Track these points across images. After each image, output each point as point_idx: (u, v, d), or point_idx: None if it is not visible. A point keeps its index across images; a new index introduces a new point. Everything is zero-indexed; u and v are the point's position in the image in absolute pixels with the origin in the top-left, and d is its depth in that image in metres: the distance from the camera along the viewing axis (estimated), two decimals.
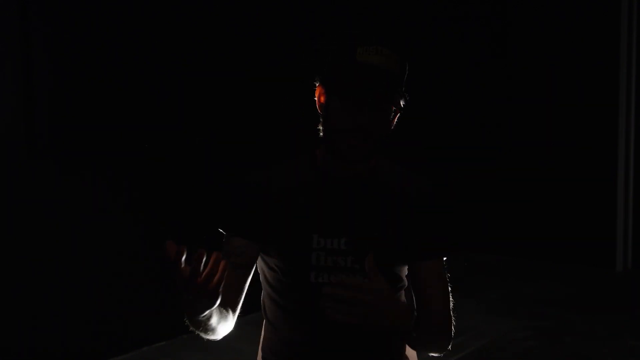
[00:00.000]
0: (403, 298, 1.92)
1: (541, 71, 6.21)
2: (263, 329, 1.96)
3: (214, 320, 1.63)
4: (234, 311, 1.80)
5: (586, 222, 6.08)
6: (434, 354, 1.86)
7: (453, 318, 1.85)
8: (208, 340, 1.82)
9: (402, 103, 1.78)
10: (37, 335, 3.75)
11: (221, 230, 1.85)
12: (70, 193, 3.89)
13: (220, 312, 1.69)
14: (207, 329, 1.65)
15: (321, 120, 1.78)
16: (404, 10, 6.12)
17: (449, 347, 1.84)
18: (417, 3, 6.27)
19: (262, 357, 1.95)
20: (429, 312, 1.82)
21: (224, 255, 1.80)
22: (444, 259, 1.88)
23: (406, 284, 1.91)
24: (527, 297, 5.27)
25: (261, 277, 1.92)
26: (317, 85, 1.80)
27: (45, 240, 3.78)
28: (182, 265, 1.41)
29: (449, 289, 1.87)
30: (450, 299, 1.87)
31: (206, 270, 1.42)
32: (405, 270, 1.89)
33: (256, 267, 1.88)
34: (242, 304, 1.86)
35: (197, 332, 1.67)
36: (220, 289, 1.46)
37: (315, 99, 1.80)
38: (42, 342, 3.77)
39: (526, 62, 6.29)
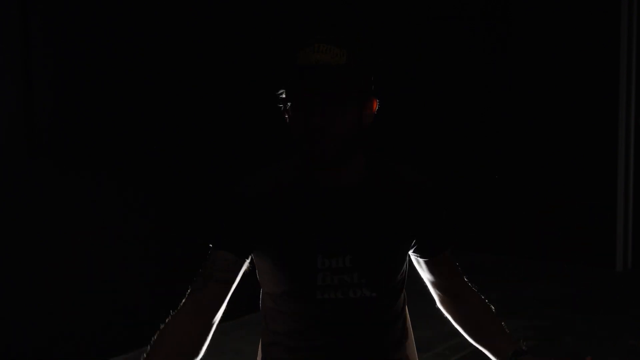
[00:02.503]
0: (403, 299, 1.92)
1: (541, 70, 6.21)
2: (262, 332, 1.94)
3: None
4: (211, 327, 1.76)
5: (586, 222, 6.07)
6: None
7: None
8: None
9: (370, 92, 1.71)
10: (37, 335, 3.75)
11: (209, 244, 1.79)
12: (70, 192, 3.89)
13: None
14: None
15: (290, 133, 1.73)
16: (403, 8, 6.12)
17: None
18: (418, 2, 6.27)
19: (262, 359, 1.95)
20: (460, 299, 1.92)
21: (208, 268, 1.75)
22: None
23: (405, 280, 1.91)
24: (527, 297, 5.27)
25: (262, 288, 1.88)
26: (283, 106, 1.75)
27: (46, 239, 3.78)
28: None
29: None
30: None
31: None
32: (406, 269, 1.89)
33: (255, 271, 1.86)
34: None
35: None
36: None
37: (286, 116, 1.74)
38: (42, 342, 3.77)
39: (526, 61, 6.28)
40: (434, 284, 1.93)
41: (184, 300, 1.75)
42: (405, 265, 1.87)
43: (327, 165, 1.69)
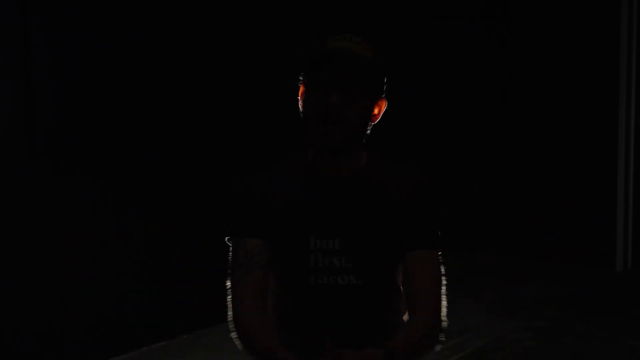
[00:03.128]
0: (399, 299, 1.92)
1: (541, 70, 6.21)
2: None
3: None
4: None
5: (586, 222, 6.07)
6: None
7: (444, 318, 1.81)
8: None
9: (382, 94, 1.80)
10: (37, 335, 3.75)
11: (230, 236, 1.84)
12: (70, 192, 3.89)
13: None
14: None
15: (301, 115, 1.79)
16: (403, 8, 6.11)
17: (436, 347, 1.81)
18: (419, 2, 6.27)
19: None
20: (416, 306, 1.78)
21: (244, 259, 1.80)
22: (439, 253, 1.85)
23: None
24: (527, 297, 5.26)
25: None
26: (300, 85, 1.81)
27: (45, 239, 3.78)
28: None
29: (444, 285, 1.83)
30: (444, 301, 1.82)
31: None
32: (400, 267, 1.88)
33: None
34: None
35: None
36: None
37: (299, 98, 1.81)
38: (42, 342, 3.77)
39: (526, 61, 6.28)
40: (405, 292, 1.85)
41: (236, 293, 1.79)
42: (398, 259, 1.85)
43: (335, 146, 1.75)
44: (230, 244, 1.85)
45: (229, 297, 1.83)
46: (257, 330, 1.75)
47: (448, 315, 1.85)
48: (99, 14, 3.96)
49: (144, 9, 4.17)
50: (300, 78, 1.79)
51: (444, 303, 1.82)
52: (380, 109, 1.81)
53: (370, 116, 1.79)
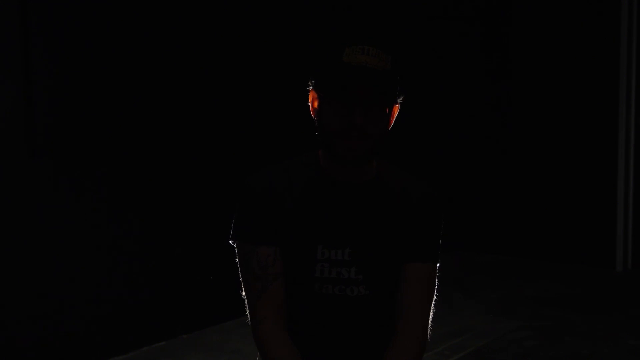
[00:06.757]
0: None
1: (541, 70, 6.21)
2: None
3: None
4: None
5: (586, 222, 6.07)
6: None
7: (429, 330, 1.84)
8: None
9: (398, 101, 1.78)
10: (37, 335, 3.75)
11: (241, 242, 1.80)
12: (70, 192, 3.89)
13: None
14: None
15: (316, 124, 1.78)
16: (404, 9, 6.12)
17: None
18: (419, 2, 6.27)
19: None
20: (406, 320, 1.80)
21: (258, 270, 1.77)
22: (437, 265, 1.86)
23: None
24: (527, 297, 5.27)
25: None
26: (310, 89, 1.79)
27: (45, 239, 3.78)
28: None
29: (434, 297, 1.85)
30: (432, 308, 1.85)
31: None
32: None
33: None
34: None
35: None
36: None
37: (309, 104, 1.79)
38: (41, 342, 3.77)
39: (526, 61, 6.29)
40: (395, 299, 1.84)
41: (256, 310, 1.77)
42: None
43: (356, 162, 1.74)
44: (235, 246, 1.82)
45: (247, 311, 1.81)
46: (282, 357, 1.74)
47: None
48: (99, 14, 3.96)
49: (144, 9, 4.17)
50: (310, 84, 1.76)
51: (431, 316, 1.84)
52: (393, 115, 1.80)
53: (389, 124, 1.79)
